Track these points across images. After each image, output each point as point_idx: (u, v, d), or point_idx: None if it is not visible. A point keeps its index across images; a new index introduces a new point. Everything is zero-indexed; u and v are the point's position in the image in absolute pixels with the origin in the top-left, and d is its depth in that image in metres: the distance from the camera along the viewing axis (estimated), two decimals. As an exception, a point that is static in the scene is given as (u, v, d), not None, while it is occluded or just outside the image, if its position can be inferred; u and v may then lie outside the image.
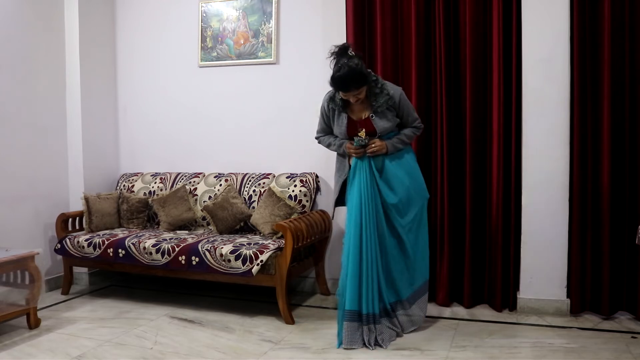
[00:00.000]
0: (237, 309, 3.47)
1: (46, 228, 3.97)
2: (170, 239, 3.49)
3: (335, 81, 2.77)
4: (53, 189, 4.06)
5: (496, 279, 3.34)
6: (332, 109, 2.97)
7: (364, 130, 2.88)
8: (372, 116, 2.88)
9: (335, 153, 3.10)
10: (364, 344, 2.79)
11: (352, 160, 2.96)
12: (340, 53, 2.81)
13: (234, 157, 4.08)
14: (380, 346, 2.79)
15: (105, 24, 4.35)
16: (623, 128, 3.14)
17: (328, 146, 3.09)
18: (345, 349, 2.79)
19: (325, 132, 3.10)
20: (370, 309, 2.80)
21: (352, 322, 2.81)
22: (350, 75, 2.73)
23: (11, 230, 3.67)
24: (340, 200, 3.08)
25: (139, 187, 4.19)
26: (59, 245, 3.73)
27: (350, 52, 2.80)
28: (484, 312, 3.35)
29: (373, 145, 2.86)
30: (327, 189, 3.79)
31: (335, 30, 3.68)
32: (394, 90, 2.90)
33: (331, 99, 2.96)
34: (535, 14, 3.19)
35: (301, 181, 3.70)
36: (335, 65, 2.79)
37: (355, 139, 2.88)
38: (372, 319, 2.81)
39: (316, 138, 3.16)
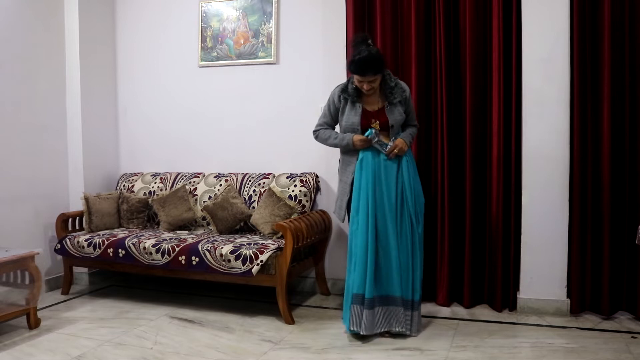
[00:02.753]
0: (237, 309, 3.47)
1: (46, 228, 3.96)
2: (170, 239, 3.49)
3: (355, 64, 2.81)
4: (53, 189, 4.06)
5: (496, 279, 3.34)
6: (345, 98, 2.98)
7: (377, 122, 2.92)
8: (386, 106, 2.93)
9: (338, 151, 3.09)
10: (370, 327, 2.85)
11: (360, 153, 2.93)
12: (360, 41, 2.89)
13: (234, 157, 4.08)
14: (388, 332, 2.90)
15: (105, 24, 4.35)
16: (623, 128, 3.14)
17: (326, 139, 3.06)
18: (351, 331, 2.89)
19: (328, 124, 3.10)
20: (373, 293, 2.84)
21: (357, 305, 2.86)
22: (370, 59, 2.79)
23: (11, 230, 3.67)
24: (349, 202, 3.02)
25: (139, 187, 4.19)
26: (59, 245, 3.73)
27: (370, 42, 2.89)
28: (484, 312, 3.35)
29: (399, 146, 2.89)
30: (327, 189, 3.79)
31: (335, 30, 3.68)
32: (404, 85, 3.01)
33: (343, 90, 2.98)
34: (535, 14, 3.19)
35: (301, 181, 3.70)
36: (355, 50, 2.85)
37: (373, 133, 2.89)
38: (376, 303, 2.86)
39: (315, 131, 3.14)
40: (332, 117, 3.08)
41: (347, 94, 2.96)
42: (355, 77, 2.88)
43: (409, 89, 3.03)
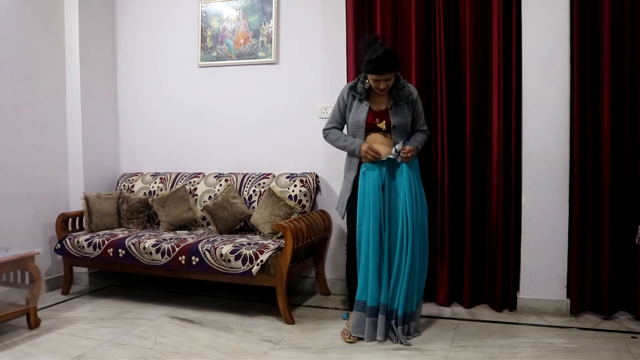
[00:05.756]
0: (237, 309, 3.47)
1: (46, 228, 3.96)
2: (170, 239, 3.49)
3: (374, 62, 2.79)
4: (53, 189, 4.06)
5: (496, 279, 3.34)
6: (353, 95, 2.99)
7: (384, 122, 2.92)
8: (390, 107, 2.93)
9: (340, 151, 3.08)
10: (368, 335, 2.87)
11: (364, 166, 2.92)
12: (372, 41, 2.90)
13: (234, 157, 4.08)
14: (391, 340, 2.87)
15: (105, 24, 4.35)
16: (623, 128, 3.14)
17: (336, 140, 3.04)
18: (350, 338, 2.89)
19: (338, 122, 3.08)
20: (375, 301, 2.85)
21: (359, 312, 2.88)
22: (388, 57, 2.79)
23: (11, 230, 3.67)
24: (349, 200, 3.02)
25: (139, 187, 4.19)
26: (59, 245, 3.73)
27: (380, 41, 2.90)
28: (484, 312, 3.35)
29: (409, 149, 2.87)
30: (327, 189, 3.79)
31: (335, 30, 3.69)
32: (413, 88, 3.02)
33: (352, 87, 2.99)
34: (536, 13, 3.19)
35: (301, 181, 3.70)
36: (368, 50, 2.83)
37: (395, 153, 2.88)
38: (377, 312, 2.86)
39: (325, 130, 3.11)
40: (341, 115, 3.06)
41: (356, 92, 2.96)
42: (372, 77, 2.85)
43: (416, 91, 3.02)
